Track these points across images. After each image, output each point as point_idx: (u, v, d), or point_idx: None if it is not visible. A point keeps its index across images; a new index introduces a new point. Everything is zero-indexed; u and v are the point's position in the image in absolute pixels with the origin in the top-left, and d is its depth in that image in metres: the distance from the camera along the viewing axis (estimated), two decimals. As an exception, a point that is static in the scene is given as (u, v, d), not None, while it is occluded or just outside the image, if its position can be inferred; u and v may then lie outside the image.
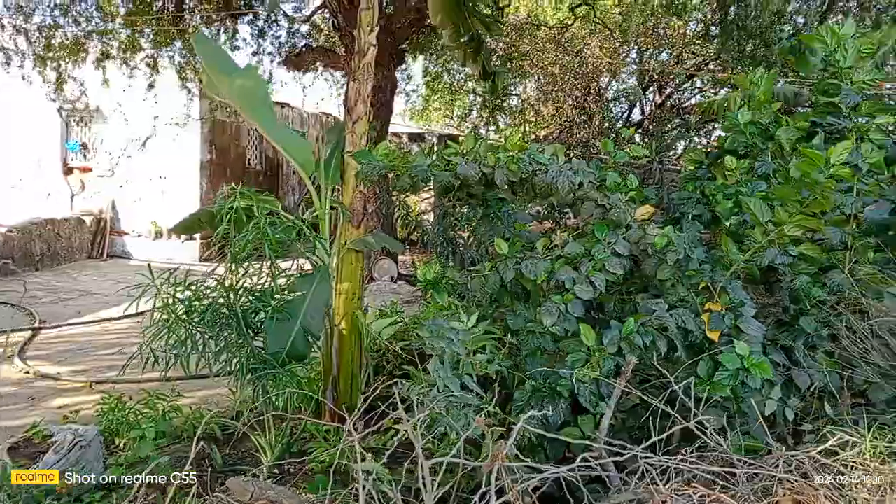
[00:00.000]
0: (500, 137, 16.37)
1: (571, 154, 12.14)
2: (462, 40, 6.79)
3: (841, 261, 3.89)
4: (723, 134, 4.72)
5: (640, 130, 15.66)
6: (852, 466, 2.41)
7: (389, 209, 10.19)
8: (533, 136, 15.38)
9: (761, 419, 2.87)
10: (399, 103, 17.18)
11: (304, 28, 12.08)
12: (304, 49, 10.94)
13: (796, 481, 2.12)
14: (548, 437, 3.31)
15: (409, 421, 2.16)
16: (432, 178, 4.03)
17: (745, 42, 8.86)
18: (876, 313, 3.61)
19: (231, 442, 4.51)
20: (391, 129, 16.37)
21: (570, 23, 13.67)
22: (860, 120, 3.99)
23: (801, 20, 8.44)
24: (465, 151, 4.07)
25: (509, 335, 4.06)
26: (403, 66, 15.39)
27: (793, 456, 2.35)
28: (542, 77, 15.88)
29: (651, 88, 16.20)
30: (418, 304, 8.73)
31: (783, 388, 3.47)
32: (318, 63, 11.31)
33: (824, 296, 3.72)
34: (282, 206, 4.56)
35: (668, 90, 16.13)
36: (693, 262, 3.57)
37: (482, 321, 3.58)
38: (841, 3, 8.16)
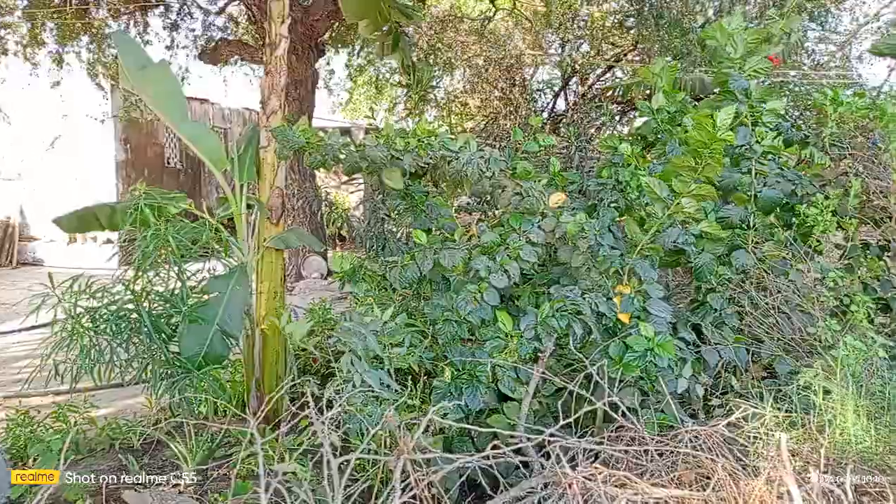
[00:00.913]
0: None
1: (497, 145, 12.25)
2: (382, 30, 6.71)
3: (746, 241, 4.07)
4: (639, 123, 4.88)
5: (564, 120, 15.94)
6: (755, 437, 2.53)
7: (316, 205, 10.03)
8: (459, 128, 15.43)
9: (669, 397, 2.96)
10: (325, 97, 16.94)
11: (221, 21, 11.70)
12: (220, 42, 10.58)
13: (696, 456, 2.19)
14: (477, 424, 3.35)
15: (318, 419, 2.12)
16: (342, 157, 4.11)
17: (662, 32, 9.13)
18: (778, 289, 3.79)
19: (150, 451, 4.34)
20: (316, 123, 16.10)
21: (491, 15, 13.75)
22: (763, 105, 4.18)
23: (711, 12, 8.77)
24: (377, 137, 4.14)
25: (432, 327, 4.08)
26: (327, 61, 15.15)
27: (697, 431, 2.44)
28: (467, 69, 15.95)
29: (574, 79, 16.52)
30: (350, 301, 8.65)
31: (696, 364, 3.61)
32: (235, 56, 10.98)
33: (731, 274, 3.88)
34: (204, 206, 4.44)
35: (591, 80, 16.49)
36: (604, 248, 3.66)
37: (404, 313, 3.58)
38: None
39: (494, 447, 2.25)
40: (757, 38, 4.09)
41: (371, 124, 18.62)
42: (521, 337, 3.34)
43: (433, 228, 4.67)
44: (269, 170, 4.61)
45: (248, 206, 4.57)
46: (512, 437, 2.95)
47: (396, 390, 3.27)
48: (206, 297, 4.05)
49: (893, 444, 2.49)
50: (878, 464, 2.39)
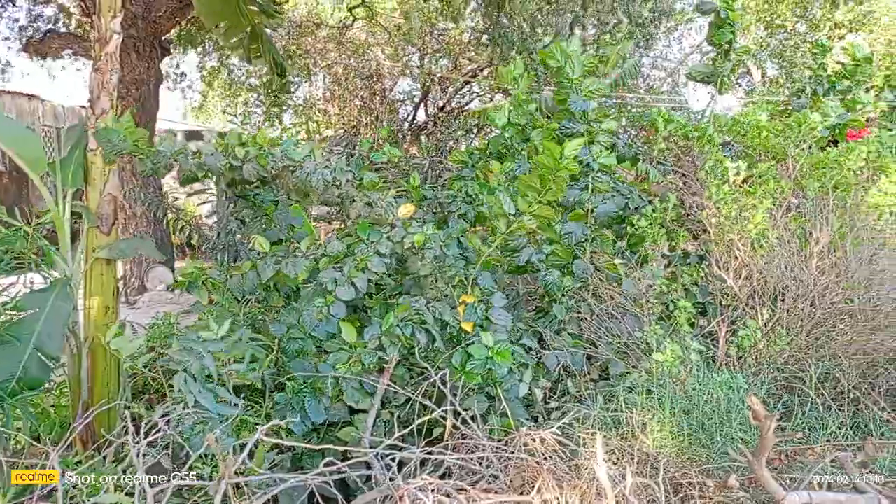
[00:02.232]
0: (285, 136, 15.94)
1: (357, 154, 12.17)
2: (241, 37, 6.43)
3: (585, 251, 4.33)
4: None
5: (424, 132, 16.20)
6: (583, 439, 2.67)
7: (161, 213, 9.41)
8: (318, 136, 15.20)
9: (507, 402, 3.06)
10: (176, 99, 16.01)
11: (51, 11, 10.66)
12: (48, 34, 9.64)
13: (526, 460, 2.28)
14: (328, 439, 3.28)
15: (135, 444, 1.96)
16: (176, 165, 3.91)
17: (511, 50, 9.52)
18: (611, 296, 4.06)
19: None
20: (165, 125, 15.16)
21: (350, 23, 13.69)
22: (597, 125, 4.47)
23: (548, 40, 9.31)
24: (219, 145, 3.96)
25: (278, 341, 3.95)
26: (177, 63, 14.34)
27: (531, 435, 2.53)
28: (326, 76, 15.77)
29: (433, 91, 16.84)
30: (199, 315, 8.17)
31: (538, 369, 3.76)
32: (67, 50, 10.06)
33: (572, 284, 4.10)
34: (30, 213, 4.01)
35: (450, 93, 16.88)
36: (449, 258, 3.73)
37: (247, 328, 3.43)
38: (584, 18, 9.12)
39: (329, 463, 2.20)
40: (593, 62, 4.36)
41: (230, 122, 17.82)
42: (366, 347, 3.31)
43: (285, 238, 4.53)
44: (98, 175, 4.25)
45: (75, 214, 4.19)
46: (359, 451, 2.91)
47: (244, 407, 3.12)
48: (21, 314, 3.65)
49: (702, 439, 2.73)
50: (690, 457, 2.61)
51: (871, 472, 2.54)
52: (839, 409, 3.32)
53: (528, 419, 3.43)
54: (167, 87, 14.69)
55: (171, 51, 11.04)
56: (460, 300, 3.49)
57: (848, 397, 3.39)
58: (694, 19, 15.46)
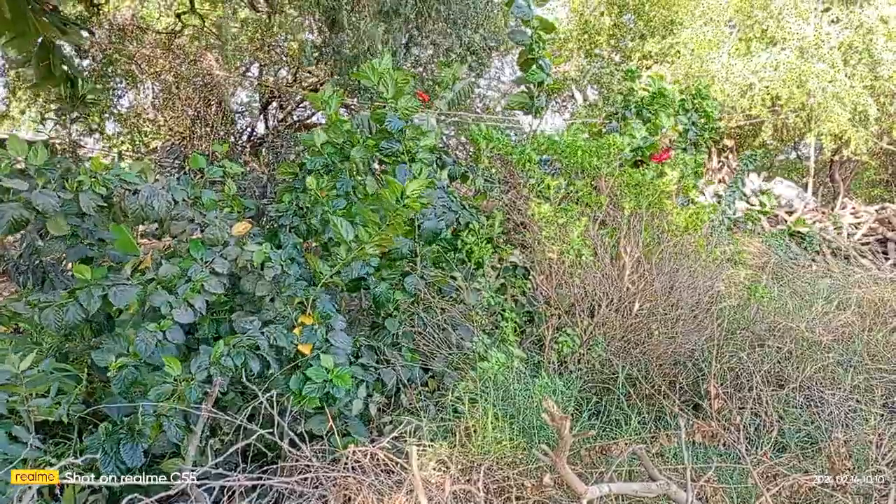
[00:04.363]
0: (110, 148, 14.78)
1: (189, 168, 11.58)
2: (33, 50, 5.74)
3: (416, 266, 4.43)
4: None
5: (264, 145, 15.73)
6: (415, 451, 2.72)
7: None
8: (145, 148, 14.24)
9: (338, 421, 3.05)
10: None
11: None
12: None
13: (350, 478, 2.29)
14: (152, 474, 3.04)
15: None
16: None
17: (349, 66, 9.54)
18: (443, 309, 4.19)
19: None
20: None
21: (178, 29, 13.01)
22: (416, 143, 4.56)
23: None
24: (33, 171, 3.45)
25: (95, 371, 3.61)
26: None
27: (359, 452, 2.54)
28: (154, 84, 14.82)
29: (273, 104, 16.40)
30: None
31: (377, 385, 3.77)
32: None
33: (403, 297, 4.18)
34: None
35: (290, 106, 16.54)
36: (290, 278, 3.64)
37: (51, 358, 3.12)
38: (419, 39, 9.37)
39: (130, 501, 2.06)
40: (406, 80, 4.36)
41: (40, 130, 16.04)
42: (193, 380, 3.10)
43: (95, 255, 4.17)
44: None
45: None
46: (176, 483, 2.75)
47: (53, 446, 2.83)
48: None
49: (524, 442, 2.90)
50: (513, 459, 2.75)
51: (664, 461, 2.83)
52: (646, 406, 3.68)
53: (367, 435, 3.42)
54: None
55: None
56: (298, 321, 3.41)
57: (648, 395, 3.76)
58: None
